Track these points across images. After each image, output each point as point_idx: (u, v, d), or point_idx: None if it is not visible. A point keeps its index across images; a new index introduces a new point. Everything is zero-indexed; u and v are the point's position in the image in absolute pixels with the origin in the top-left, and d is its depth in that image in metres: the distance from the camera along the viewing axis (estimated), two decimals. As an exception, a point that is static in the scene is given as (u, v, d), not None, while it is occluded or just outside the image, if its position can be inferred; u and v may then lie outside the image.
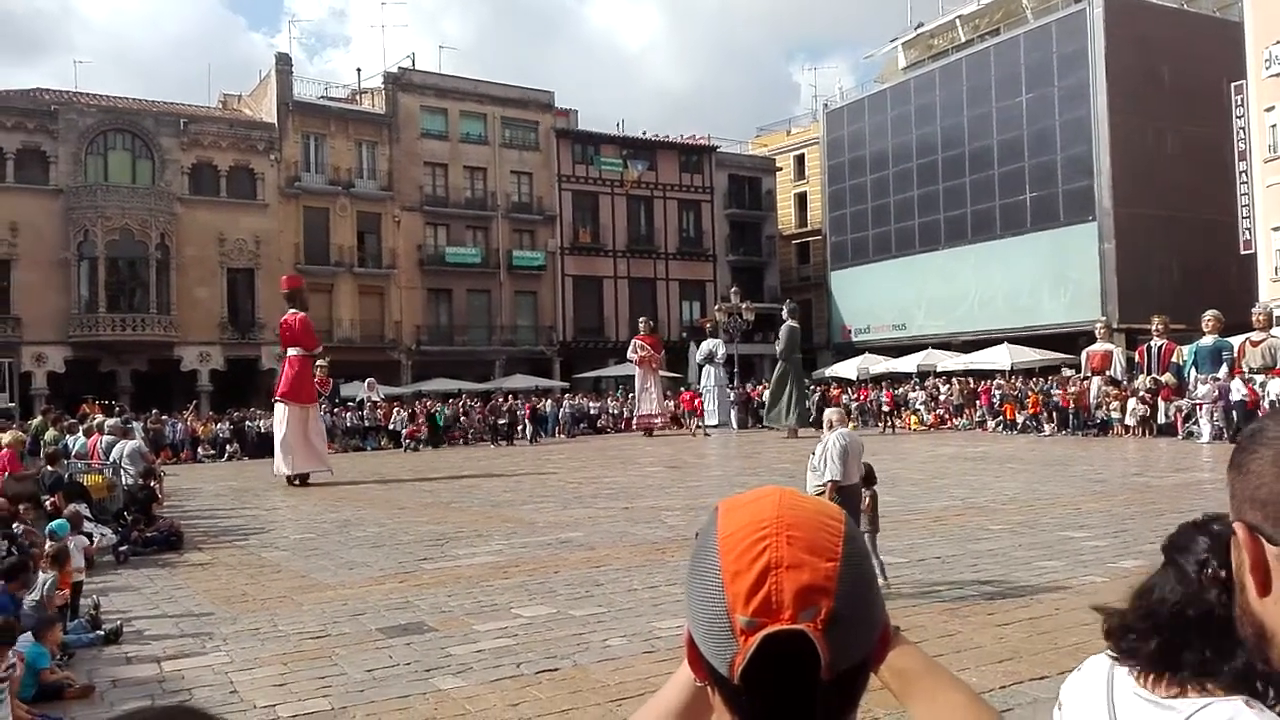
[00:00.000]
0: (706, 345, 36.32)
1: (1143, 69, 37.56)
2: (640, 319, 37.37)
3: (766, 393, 32.23)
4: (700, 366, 36.42)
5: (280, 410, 20.40)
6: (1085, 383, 26.74)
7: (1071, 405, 26.53)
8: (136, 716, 0.89)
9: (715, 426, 33.45)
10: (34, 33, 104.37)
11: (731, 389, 35.70)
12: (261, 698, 5.98)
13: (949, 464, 19.54)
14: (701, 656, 0.92)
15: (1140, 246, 36.98)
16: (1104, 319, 30.71)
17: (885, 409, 32.79)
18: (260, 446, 31.48)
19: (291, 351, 20.76)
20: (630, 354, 34.18)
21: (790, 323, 30.15)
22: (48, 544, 9.29)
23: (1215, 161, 35.76)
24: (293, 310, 21.41)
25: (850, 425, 10.42)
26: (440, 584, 9.26)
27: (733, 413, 34.30)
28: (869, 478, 8.64)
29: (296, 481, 19.68)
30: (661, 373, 35.02)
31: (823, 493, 8.01)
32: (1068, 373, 29.44)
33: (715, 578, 0.88)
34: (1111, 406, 25.50)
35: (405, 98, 45.60)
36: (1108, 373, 26.34)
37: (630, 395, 37.12)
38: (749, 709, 0.89)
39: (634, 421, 34.46)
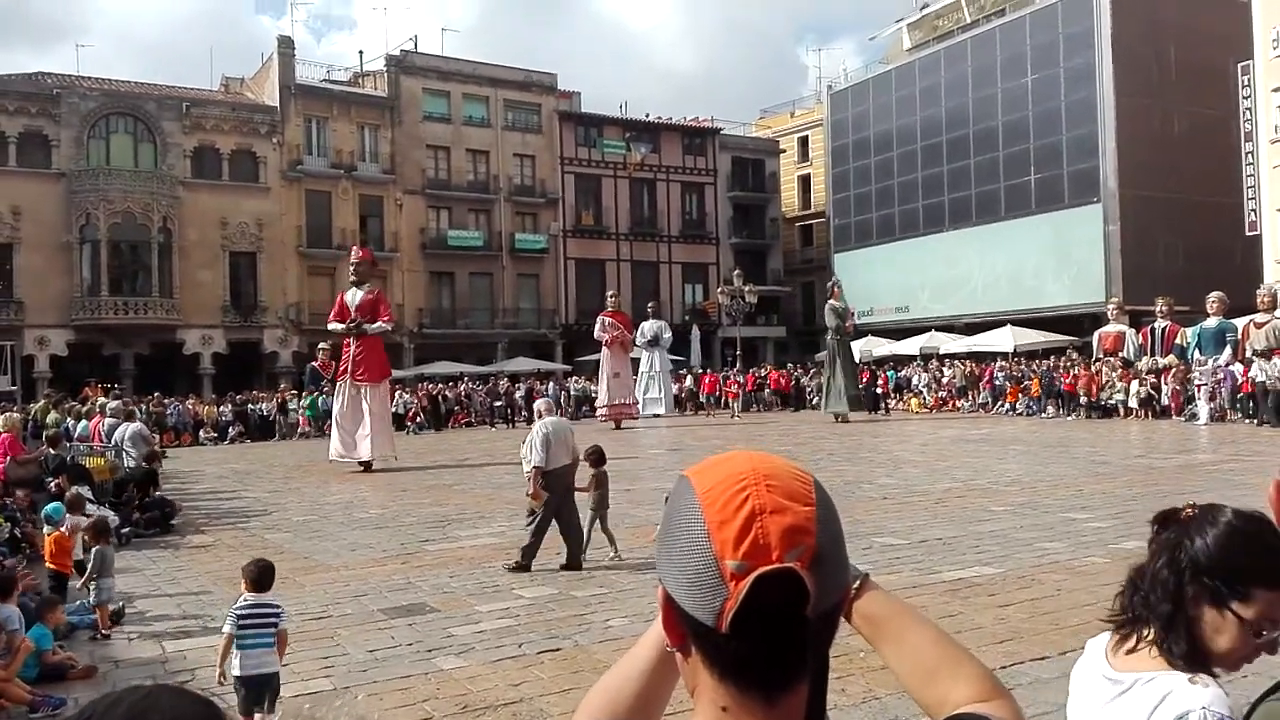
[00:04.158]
0: (650, 326, 31.74)
1: (1149, 49, 37.30)
2: (609, 294, 31.98)
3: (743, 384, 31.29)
4: (643, 350, 31.70)
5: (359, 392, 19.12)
6: (1098, 364, 26.69)
7: (1079, 388, 26.45)
8: (121, 700, 0.87)
9: (659, 416, 30.72)
10: (50, 18, 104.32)
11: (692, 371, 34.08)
12: (263, 678, 5.99)
13: (951, 446, 19.52)
14: (680, 616, 0.93)
15: (1145, 228, 36.82)
16: (1116, 300, 30.55)
17: (879, 392, 32.61)
18: (263, 429, 31.58)
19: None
20: (599, 332, 28.66)
21: (831, 300, 27.85)
22: (45, 526, 9.34)
23: (1221, 142, 35.55)
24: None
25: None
26: (442, 565, 9.29)
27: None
28: (600, 458, 9.32)
29: (359, 468, 18.65)
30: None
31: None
32: (1079, 357, 29.24)
33: (700, 529, 0.91)
34: (1116, 389, 25.47)
35: (407, 80, 45.42)
36: (1120, 354, 26.28)
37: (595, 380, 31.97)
38: (734, 657, 0.91)
39: (602, 411, 28.53)
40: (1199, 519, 1.62)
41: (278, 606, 5.25)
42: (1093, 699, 1.68)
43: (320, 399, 30.98)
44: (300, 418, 31.50)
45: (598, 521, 9.23)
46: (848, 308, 28.13)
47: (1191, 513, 1.64)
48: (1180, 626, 1.56)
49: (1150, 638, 1.60)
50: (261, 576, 5.27)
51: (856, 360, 28.19)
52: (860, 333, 45.53)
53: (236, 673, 4.96)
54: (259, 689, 4.97)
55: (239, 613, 5.10)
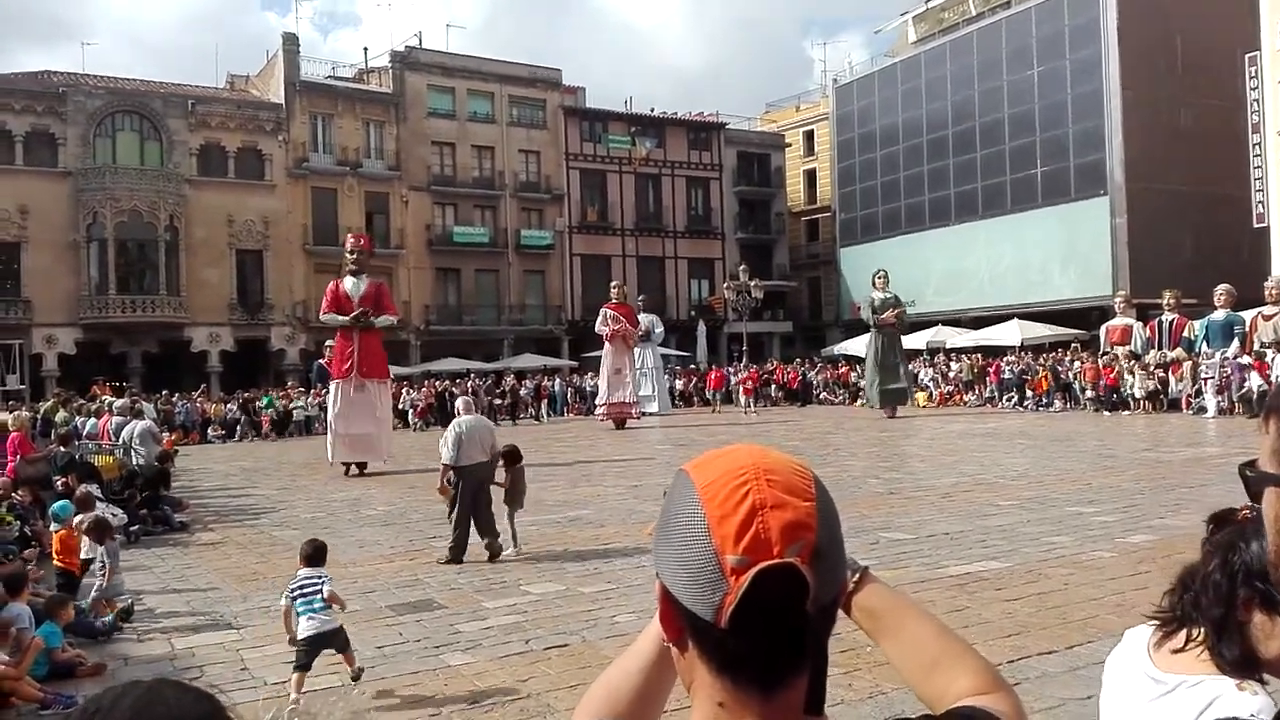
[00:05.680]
0: (642, 321, 30.03)
1: (1155, 41, 37.16)
2: (612, 284, 30.34)
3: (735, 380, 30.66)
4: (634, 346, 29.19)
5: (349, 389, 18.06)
6: (1106, 357, 26.65)
7: (1085, 381, 26.38)
8: (125, 694, 0.88)
9: (653, 414, 29.90)
10: (56, 17, 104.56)
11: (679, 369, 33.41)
12: (272, 674, 6.03)
13: (958, 440, 19.51)
14: (678, 611, 0.93)
15: (1152, 221, 36.70)
16: (1124, 293, 30.47)
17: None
18: (272, 427, 31.60)
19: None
20: (600, 326, 27.10)
21: (875, 292, 27.51)
22: (53, 524, 9.37)
23: (1228, 134, 35.40)
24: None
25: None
26: (449, 561, 9.29)
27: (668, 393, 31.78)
28: (513, 457, 9.62)
29: (355, 471, 17.81)
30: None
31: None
32: (1109, 350, 28.80)
33: (699, 524, 0.91)
34: (1127, 381, 25.42)
35: (412, 77, 45.42)
36: (1128, 347, 26.22)
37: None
38: (732, 652, 0.91)
39: (601, 410, 27.06)
40: (1256, 520, 1.57)
41: (322, 576, 5.80)
42: (1134, 696, 1.63)
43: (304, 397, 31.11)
44: (262, 417, 31.44)
45: (511, 515, 9.47)
46: (889, 298, 27.30)
47: (1248, 514, 1.59)
48: (1232, 630, 1.51)
49: (1200, 639, 1.55)
50: (315, 553, 5.94)
51: (899, 351, 27.14)
52: (866, 327, 45.51)
53: (304, 634, 5.56)
54: (327, 643, 5.61)
55: (292, 586, 5.75)
